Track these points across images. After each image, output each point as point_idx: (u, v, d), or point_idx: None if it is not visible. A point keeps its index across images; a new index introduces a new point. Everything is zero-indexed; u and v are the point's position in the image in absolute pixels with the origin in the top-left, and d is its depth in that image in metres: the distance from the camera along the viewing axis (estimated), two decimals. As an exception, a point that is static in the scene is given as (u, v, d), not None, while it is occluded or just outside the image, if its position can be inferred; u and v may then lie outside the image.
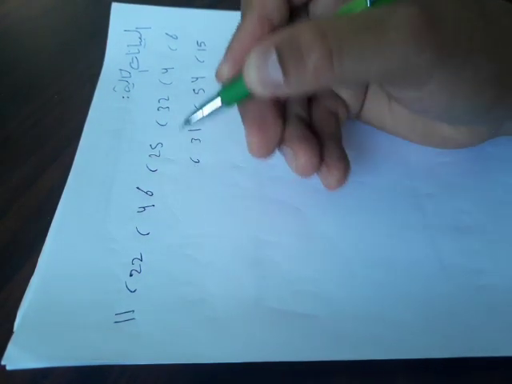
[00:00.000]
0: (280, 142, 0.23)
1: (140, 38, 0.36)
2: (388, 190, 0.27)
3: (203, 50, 0.36)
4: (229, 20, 0.36)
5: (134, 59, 0.35)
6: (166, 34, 0.37)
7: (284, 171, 0.25)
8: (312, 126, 0.25)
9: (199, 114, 0.23)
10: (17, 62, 0.36)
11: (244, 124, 0.23)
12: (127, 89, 0.33)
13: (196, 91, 0.33)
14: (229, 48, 0.23)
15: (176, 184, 0.27)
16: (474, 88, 0.21)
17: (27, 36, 0.39)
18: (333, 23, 0.19)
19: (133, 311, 0.22)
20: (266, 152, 0.23)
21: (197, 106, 0.23)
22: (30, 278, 0.23)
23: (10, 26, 0.40)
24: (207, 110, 0.22)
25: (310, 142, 0.23)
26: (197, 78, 0.34)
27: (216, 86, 0.33)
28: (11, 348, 0.20)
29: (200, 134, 0.30)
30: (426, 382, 0.21)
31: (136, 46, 0.36)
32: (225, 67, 0.23)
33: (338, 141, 0.26)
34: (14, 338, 0.21)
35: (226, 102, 0.22)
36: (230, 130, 0.30)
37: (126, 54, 0.36)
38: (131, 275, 0.23)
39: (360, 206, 0.26)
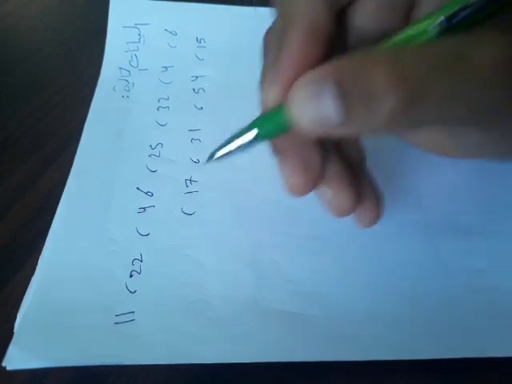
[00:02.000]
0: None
1: (139, 35, 0.36)
2: (388, 190, 0.27)
3: (203, 47, 0.36)
4: (228, 15, 0.36)
5: (134, 57, 0.35)
6: (166, 30, 0.36)
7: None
8: (341, 152, 0.23)
9: (226, 148, 0.19)
10: (17, 61, 0.36)
11: (280, 161, 0.21)
12: (127, 88, 0.33)
13: (196, 90, 0.33)
14: (274, 67, 0.18)
15: (176, 184, 0.27)
16: None
17: (27, 36, 0.39)
18: (410, 63, 0.16)
19: (133, 312, 0.22)
20: (307, 191, 0.21)
21: (226, 139, 0.20)
22: (30, 278, 0.23)
23: (10, 26, 0.39)
24: (235, 143, 0.19)
25: (349, 181, 0.21)
26: (197, 77, 0.34)
27: (216, 86, 0.33)
28: (12, 349, 0.20)
29: (200, 133, 0.30)
30: (425, 382, 0.21)
31: (135, 43, 0.36)
32: (273, 91, 0.18)
33: (367, 169, 0.24)
34: (14, 339, 0.21)
35: (262, 137, 0.18)
36: (229, 129, 0.30)
37: (126, 51, 0.35)
38: (131, 276, 0.23)
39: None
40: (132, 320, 0.22)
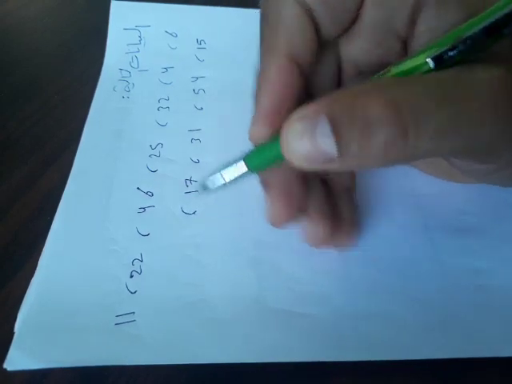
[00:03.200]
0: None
1: (140, 37, 0.36)
2: (388, 190, 0.27)
3: (203, 48, 0.36)
4: (228, 17, 0.36)
5: (134, 58, 0.35)
6: (166, 31, 0.36)
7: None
8: (328, 178, 0.23)
9: (220, 180, 0.20)
10: (17, 62, 0.36)
11: (266, 191, 0.21)
12: (127, 88, 0.33)
13: (196, 91, 0.33)
14: (258, 103, 0.19)
15: (176, 184, 0.27)
16: None
17: (27, 36, 0.39)
18: (407, 92, 0.16)
19: (133, 313, 0.22)
20: (287, 222, 0.21)
21: (218, 169, 0.20)
22: (30, 278, 0.23)
23: (10, 25, 0.40)
24: (229, 176, 0.20)
25: (326, 213, 0.22)
26: (197, 78, 0.34)
27: (216, 87, 0.33)
28: (13, 351, 0.20)
29: (200, 134, 0.30)
30: (424, 382, 0.21)
31: (136, 44, 0.36)
32: (259, 128, 0.19)
33: (351, 195, 0.24)
34: (15, 340, 0.21)
35: (252, 170, 0.19)
36: (229, 129, 0.30)
37: (126, 52, 0.35)
38: (132, 276, 0.23)
39: (359, 206, 0.26)
40: (132, 321, 0.22)
